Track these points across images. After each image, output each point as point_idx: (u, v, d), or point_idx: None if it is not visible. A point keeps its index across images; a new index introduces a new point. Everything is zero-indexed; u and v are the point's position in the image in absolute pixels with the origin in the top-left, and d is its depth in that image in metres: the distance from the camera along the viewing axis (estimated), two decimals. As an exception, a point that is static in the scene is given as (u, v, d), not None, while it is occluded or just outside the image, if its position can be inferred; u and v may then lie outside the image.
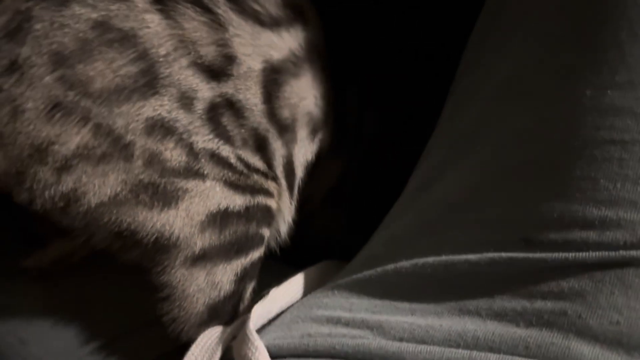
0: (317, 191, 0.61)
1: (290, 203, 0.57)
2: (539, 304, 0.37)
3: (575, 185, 0.38)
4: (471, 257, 0.40)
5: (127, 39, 0.46)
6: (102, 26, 0.46)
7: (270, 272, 0.54)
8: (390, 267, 0.43)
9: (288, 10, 0.54)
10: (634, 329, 0.34)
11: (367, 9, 0.63)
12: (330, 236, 0.62)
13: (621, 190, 0.37)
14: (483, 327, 0.38)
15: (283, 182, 0.56)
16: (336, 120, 0.59)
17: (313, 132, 0.56)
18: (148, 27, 0.47)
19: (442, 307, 0.40)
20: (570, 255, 0.37)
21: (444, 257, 0.41)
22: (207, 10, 0.50)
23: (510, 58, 0.45)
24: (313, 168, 0.58)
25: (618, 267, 0.36)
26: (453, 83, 0.52)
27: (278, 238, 0.58)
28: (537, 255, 0.38)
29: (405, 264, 0.43)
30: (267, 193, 0.54)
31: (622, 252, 0.36)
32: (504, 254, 0.39)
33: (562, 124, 0.40)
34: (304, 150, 0.56)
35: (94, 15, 0.46)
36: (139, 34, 0.46)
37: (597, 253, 0.36)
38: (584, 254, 0.37)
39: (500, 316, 0.38)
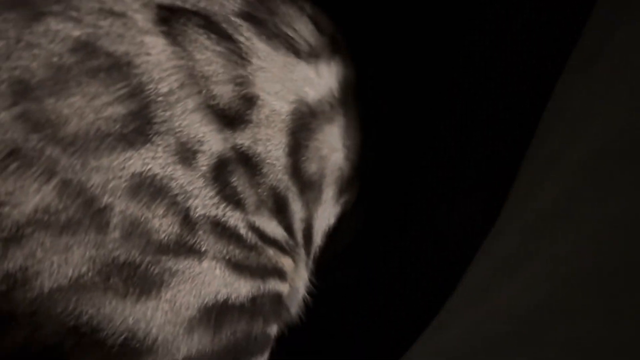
0: (330, 253, 0.53)
1: (306, 274, 0.48)
2: None
3: None
4: None
5: (117, 68, 0.37)
6: (85, 48, 0.37)
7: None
8: None
9: (326, 39, 0.46)
10: None
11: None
12: (344, 297, 0.55)
13: None
14: None
15: (301, 250, 0.47)
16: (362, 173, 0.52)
17: (340, 192, 0.49)
18: (148, 54, 0.38)
19: None
20: None
21: None
22: (226, 37, 0.41)
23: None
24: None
25: None
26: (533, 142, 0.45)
27: (288, 319, 0.48)
28: None
29: None
30: (281, 274, 0.45)
31: None
32: None
33: None
34: (327, 214, 0.49)
35: (77, 33, 0.37)
36: (135, 61, 0.38)
37: None
38: None
39: None
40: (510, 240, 0.41)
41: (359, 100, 0.49)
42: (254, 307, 0.42)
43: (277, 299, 0.44)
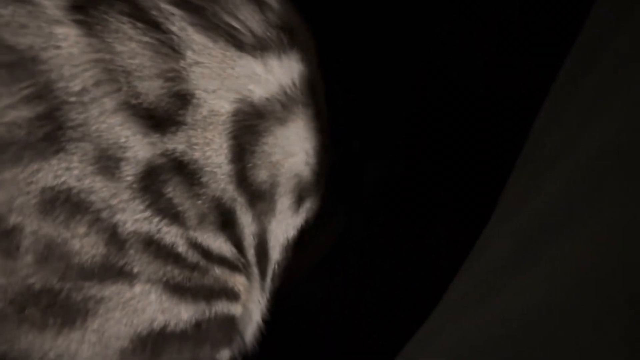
0: (303, 265, 0.49)
1: (261, 296, 0.43)
2: None
3: None
4: None
5: (21, 64, 0.32)
6: None
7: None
8: None
9: (278, 31, 0.40)
10: None
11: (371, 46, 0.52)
12: (321, 310, 0.51)
13: None
14: None
15: (255, 270, 0.41)
16: (331, 178, 0.47)
17: (299, 200, 0.43)
18: (58, 47, 0.33)
19: None
20: None
21: None
22: (154, 26, 0.35)
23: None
24: (297, 241, 0.45)
25: None
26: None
27: (241, 345, 0.43)
28: None
29: None
30: (231, 295, 0.39)
31: None
32: None
33: None
34: (285, 226, 0.43)
35: None
36: (42, 56, 0.32)
37: None
38: None
39: None
40: (502, 244, 0.37)
41: (318, 97, 0.43)
42: (199, 333, 0.37)
43: (228, 322, 0.39)
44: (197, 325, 0.37)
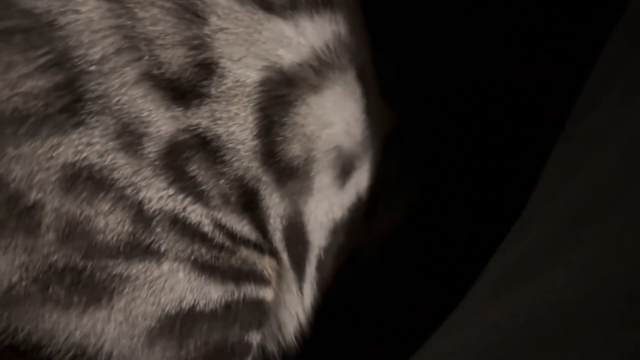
0: (364, 248, 0.46)
1: (300, 290, 0.40)
2: None
3: None
4: None
5: (37, 30, 0.30)
6: None
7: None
8: None
9: None
10: None
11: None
12: (373, 298, 0.48)
13: None
14: None
15: (284, 257, 0.39)
16: (390, 145, 0.44)
17: (343, 175, 0.40)
18: (76, 12, 0.31)
19: None
20: None
21: None
22: None
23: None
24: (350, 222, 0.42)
25: None
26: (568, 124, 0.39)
27: (281, 340, 0.41)
28: None
29: None
30: (260, 278, 0.38)
31: None
32: None
33: None
34: (327, 206, 0.40)
35: None
36: (60, 21, 0.31)
37: None
38: None
39: None
40: (523, 240, 0.36)
41: (359, 59, 0.40)
42: (229, 314, 0.36)
43: (257, 306, 0.37)
44: (227, 306, 0.36)
